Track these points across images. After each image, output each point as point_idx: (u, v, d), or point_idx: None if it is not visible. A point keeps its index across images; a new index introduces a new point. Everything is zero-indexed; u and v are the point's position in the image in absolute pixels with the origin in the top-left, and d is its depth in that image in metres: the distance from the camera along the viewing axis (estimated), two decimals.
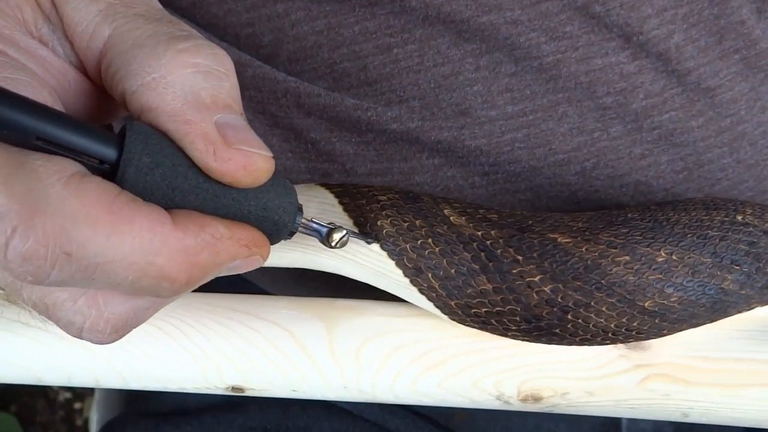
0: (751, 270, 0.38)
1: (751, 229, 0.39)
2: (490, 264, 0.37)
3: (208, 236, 0.30)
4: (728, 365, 0.41)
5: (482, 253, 0.37)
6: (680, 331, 0.39)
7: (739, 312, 0.40)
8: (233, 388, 0.42)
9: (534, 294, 0.37)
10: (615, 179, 0.48)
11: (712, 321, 0.40)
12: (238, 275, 0.35)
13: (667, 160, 0.48)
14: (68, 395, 1.34)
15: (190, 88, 0.30)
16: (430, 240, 0.38)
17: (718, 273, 0.38)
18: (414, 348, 0.41)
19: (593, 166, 0.48)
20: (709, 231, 0.38)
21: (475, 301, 0.38)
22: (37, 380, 0.43)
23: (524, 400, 0.41)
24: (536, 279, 0.37)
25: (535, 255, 0.37)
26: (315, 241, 0.38)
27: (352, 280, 0.42)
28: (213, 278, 0.32)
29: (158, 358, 0.41)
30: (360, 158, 0.48)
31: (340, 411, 0.55)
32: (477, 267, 0.37)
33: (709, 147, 0.48)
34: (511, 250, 0.37)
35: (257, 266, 0.33)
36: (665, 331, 0.38)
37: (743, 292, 0.38)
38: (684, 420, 0.42)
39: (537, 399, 0.41)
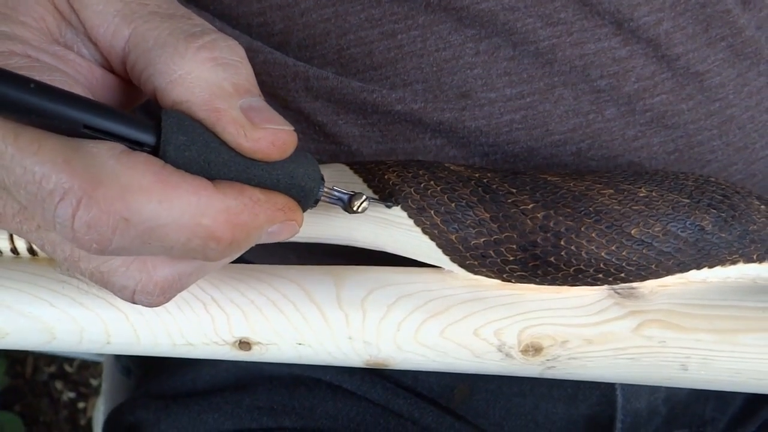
0: (727, 216, 0.41)
1: (723, 186, 0.43)
2: (487, 196, 0.40)
3: (246, 199, 0.35)
4: (722, 311, 0.43)
5: (479, 188, 0.41)
6: (669, 271, 0.41)
7: (722, 263, 0.42)
8: (240, 342, 0.44)
9: (528, 220, 0.40)
10: (609, 160, 0.51)
11: (698, 265, 0.42)
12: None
13: (659, 142, 0.51)
14: (72, 395, 1.34)
15: (213, 80, 0.35)
16: (432, 182, 0.41)
17: (697, 212, 0.41)
18: (417, 297, 0.43)
19: (588, 146, 0.50)
20: (686, 182, 0.42)
21: (474, 231, 0.40)
22: (50, 336, 0.44)
23: (525, 351, 0.43)
24: (529, 207, 0.40)
25: (527, 188, 0.41)
26: (323, 212, 0.40)
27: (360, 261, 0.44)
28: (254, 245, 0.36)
29: (170, 306, 0.43)
30: (365, 139, 0.51)
31: (345, 392, 0.56)
32: (475, 199, 0.40)
33: (699, 129, 0.51)
34: (506, 184, 0.41)
35: (294, 232, 0.38)
36: (654, 266, 0.41)
37: (723, 234, 0.41)
38: (684, 375, 0.43)
39: (538, 350, 0.43)
